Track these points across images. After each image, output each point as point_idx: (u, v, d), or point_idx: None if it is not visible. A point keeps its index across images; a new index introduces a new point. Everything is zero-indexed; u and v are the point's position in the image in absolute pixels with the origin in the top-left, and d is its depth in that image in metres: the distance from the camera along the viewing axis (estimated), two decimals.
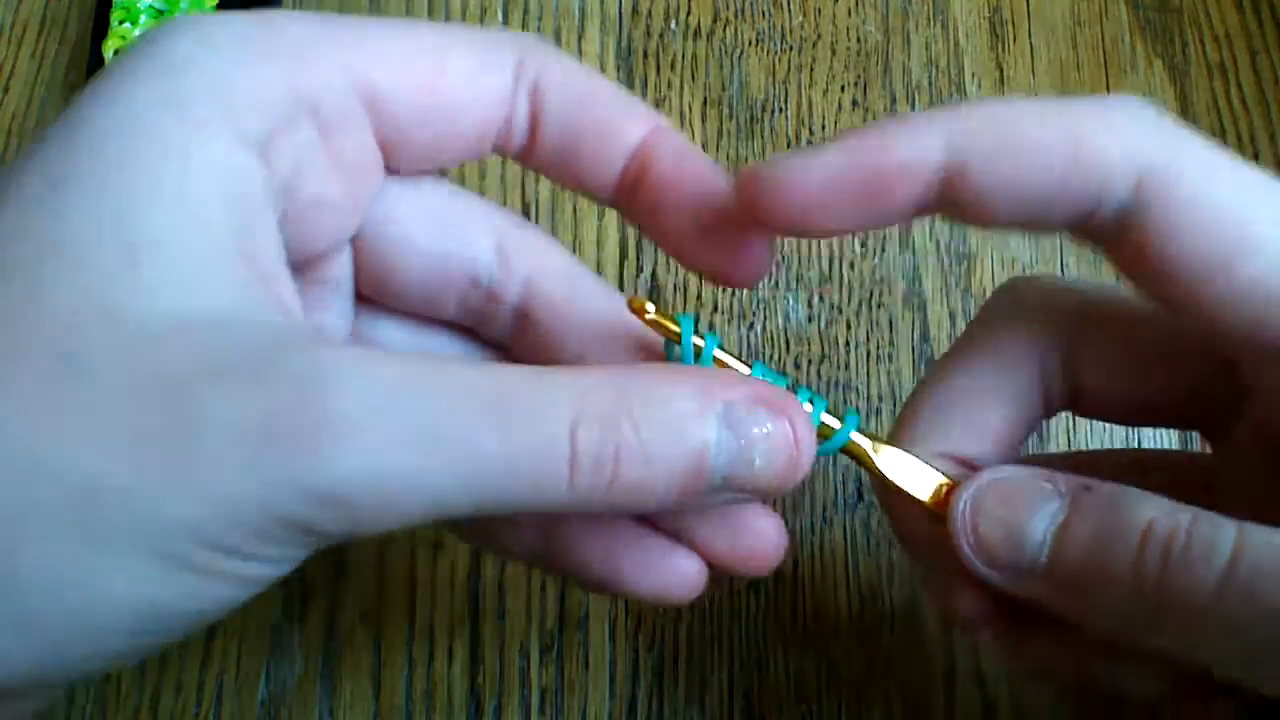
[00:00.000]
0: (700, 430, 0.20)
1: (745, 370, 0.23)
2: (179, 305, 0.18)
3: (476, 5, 0.40)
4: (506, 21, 0.40)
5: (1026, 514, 0.22)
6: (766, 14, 0.41)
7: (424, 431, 0.18)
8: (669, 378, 0.20)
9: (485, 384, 0.19)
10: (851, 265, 0.38)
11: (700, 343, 0.23)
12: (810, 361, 0.37)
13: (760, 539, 0.24)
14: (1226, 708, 0.24)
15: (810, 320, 0.38)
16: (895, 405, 0.37)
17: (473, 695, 0.33)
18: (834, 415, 0.24)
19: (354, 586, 0.34)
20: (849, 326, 0.38)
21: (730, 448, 0.20)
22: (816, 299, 0.38)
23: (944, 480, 0.24)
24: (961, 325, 0.38)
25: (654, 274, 0.38)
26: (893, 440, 0.24)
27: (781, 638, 0.34)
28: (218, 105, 0.20)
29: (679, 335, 0.23)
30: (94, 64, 0.35)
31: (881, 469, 0.24)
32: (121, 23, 0.35)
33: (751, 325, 0.37)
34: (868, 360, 0.37)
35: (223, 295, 0.19)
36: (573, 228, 0.38)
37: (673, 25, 0.41)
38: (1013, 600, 0.23)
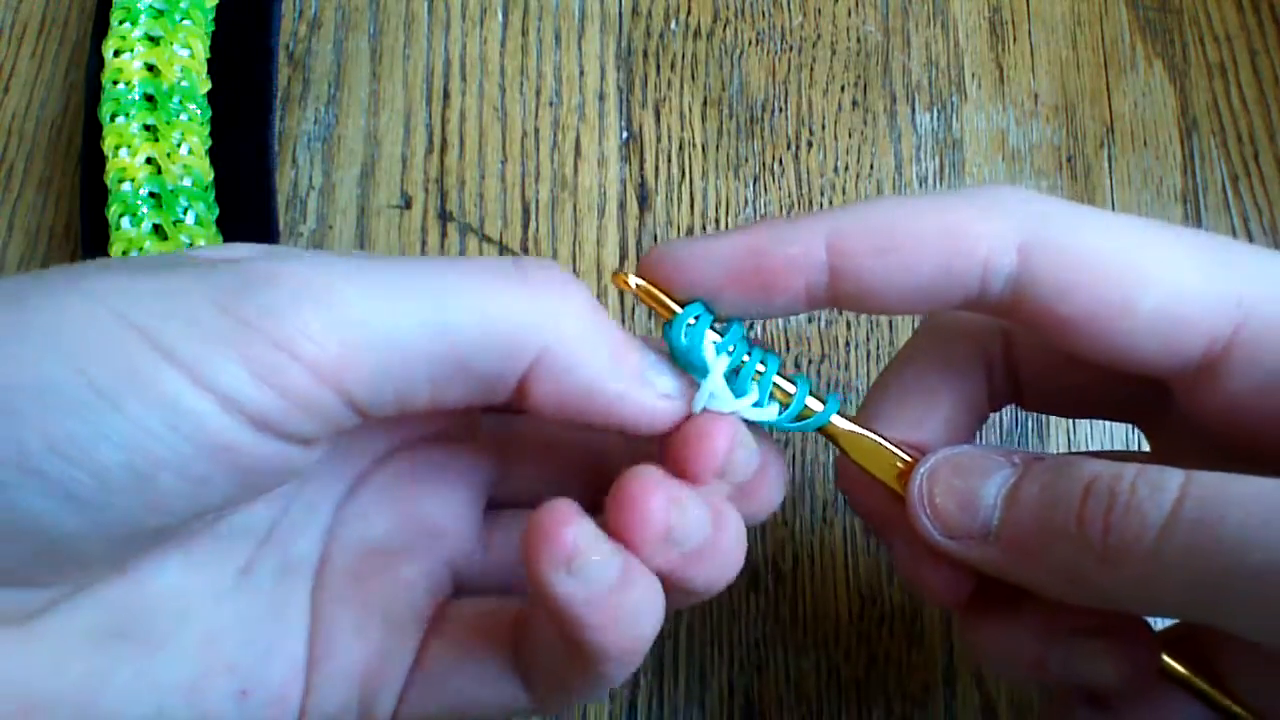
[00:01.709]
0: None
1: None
2: None
3: (476, 5, 0.40)
4: (506, 21, 0.40)
5: (979, 481, 0.23)
6: (766, 14, 0.41)
7: (383, 294, 0.20)
8: None
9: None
10: None
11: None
12: (810, 361, 0.37)
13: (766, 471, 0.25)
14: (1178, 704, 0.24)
15: (810, 320, 0.38)
16: None
17: None
18: (816, 398, 0.25)
19: None
20: (849, 326, 0.38)
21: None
22: None
23: (906, 461, 0.25)
24: None
25: None
26: (858, 423, 0.25)
27: (781, 638, 0.34)
28: None
29: (672, 312, 0.23)
30: (94, 64, 0.35)
31: (850, 450, 0.25)
32: (121, 23, 0.35)
33: (751, 325, 0.37)
34: (868, 360, 0.37)
35: None
36: (573, 228, 0.38)
37: (673, 25, 0.41)
38: (971, 574, 0.24)
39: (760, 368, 0.24)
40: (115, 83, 0.34)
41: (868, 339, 0.37)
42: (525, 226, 0.38)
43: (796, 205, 0.39)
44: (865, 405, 0.27)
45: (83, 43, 0.39)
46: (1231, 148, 0.40)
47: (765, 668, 0.34)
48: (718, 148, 0.39)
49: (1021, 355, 0.26)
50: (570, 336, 0.21)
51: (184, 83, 0.34)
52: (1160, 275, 0.21)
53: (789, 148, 0.40)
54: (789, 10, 0.41)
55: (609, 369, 0.22)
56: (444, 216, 0.38)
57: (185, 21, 0.35)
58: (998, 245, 0.21)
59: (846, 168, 0.39)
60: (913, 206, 0.22)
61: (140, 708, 0.22)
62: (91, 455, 0.18)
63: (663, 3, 0.41)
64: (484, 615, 0.25)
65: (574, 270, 0.38)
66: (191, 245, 0.33)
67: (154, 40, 0.34)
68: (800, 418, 0.24)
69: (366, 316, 0.20)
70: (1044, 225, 0.21)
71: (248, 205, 0.34)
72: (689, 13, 0.41)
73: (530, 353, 0.21)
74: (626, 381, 0.22)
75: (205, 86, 0.35)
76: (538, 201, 0.39)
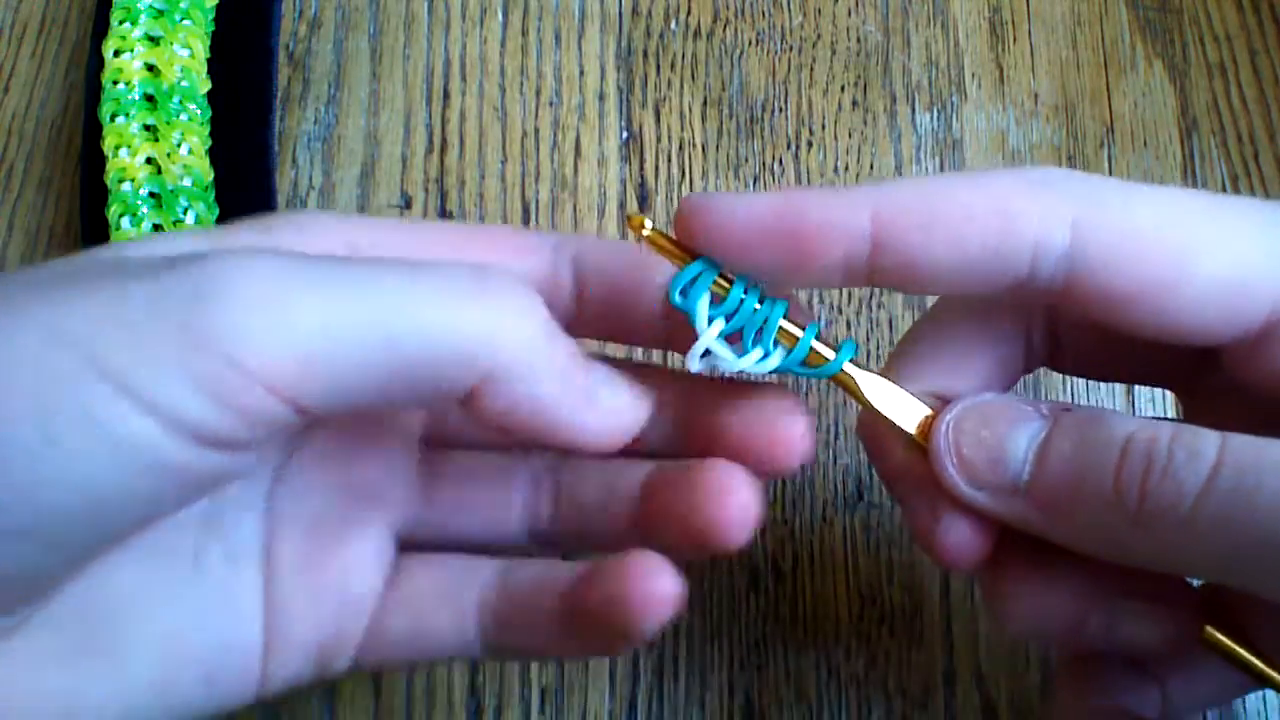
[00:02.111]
0: None
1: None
2: None
3: (476, 5, 0.40)
4: (506, 21, 0.40)
5: (1008, 432, 0.23)
6: (766, 14, 0.41)
7: (321, 290, 0.19)
8: None
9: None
10: None
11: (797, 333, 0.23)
12: None
13: (787, 428, 0.24)
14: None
15: None
16: None
17: (473, 695, 0.33)
18: (828, 344, 0.24)
19: None
20: (849, 326, 0.38)
21: None
22: (816, 299, 0.38)
23: (929, 413, 0.24)
24: None
25: None
26: (884, 374, 0.25)
27: (781, 637, 0.34)
28: None
29: (683, 261, 0.23)
30: (94, 64, 0.35)
31: (869, 399, 0.24)
32: (121, 23, 0.35)
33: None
34: (868, 360, 0.37)
35: None
36: (572, 228, 0.38)
37: (673, 25, 0.41)
38: (998, 527, 0.23)
39: (762, 328, 0.23)
40: (115, 83, 0.34)
41: (868, 339, 0.37)
42: (525, 226, 0.38)
43: None
44: (897, 351, 0.26)
45: (83, 43, 0.39)
46: (1231, 148, 0.40)
47: (765, 667, 0.34)
48: (718, 148, 0.39)
49: (1066, 318, 0.25)
50: (519, 353, 0.21)
51: (184, 83, 0.34)
52: (1216, 245, 0.21)
53: (789, 148, 0.40)
54: (789, 10, 0.41)
55: (556, 387, 0.22)
56: (444, 216, 0.38)
57: (185, 21, 0.35)
58: (1051, 223, 0.21)
59: (846, 168, 0.39)
60: (963, 181, 0.21)
61: (114, 714, 0.22)
62: (35, 500, 0.18)
63: (663, 3, 0.41)
64: (438, 576, 0.25)
65: None
66: None
67: (154, 40, 0.34)
68: (810, 364, 0.23)
69: (321, 328, 0.19)
70: (1096, 202, 0.21)
71: (248, 205, 0.34)
72: (689, 13, 0.41)
73: (479, 368, 0.21)
74: (573, 400, 0.22)
75: (205, 86, 0.35)
76: (538, 201, 0.39)
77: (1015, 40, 0.41)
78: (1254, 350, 0.22)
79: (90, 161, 0.34)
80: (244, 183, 0.35)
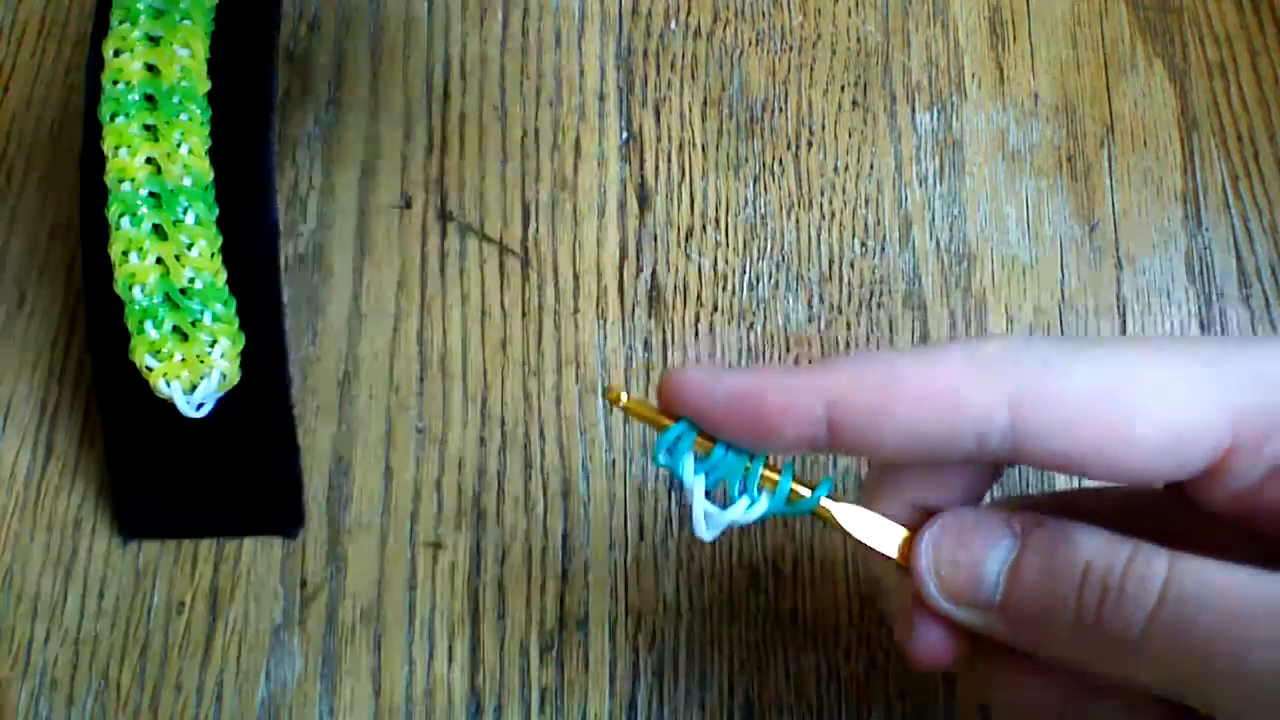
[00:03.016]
0: None
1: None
2: None
3: (476, 6, 0.40)
4: (506, 22, 0.40)
5: (981, 554, 0.24)
6: (766, 14, 0.41)
7: None
8: None
9: None
10: (851, 265, 0.38)
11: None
12: (810, 362, 0.37)
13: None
14: None
15: (810, 320, 0.38)
16: None
17: (473, 695, 0.33)
18: (805, 483, 0.25)
19: (354, 586, 0.34)
20: (849, 327, 0.38)
21: None
22: (816, 299, 0.38)
23: (906, 532, 0.25)
24: (961, 326, 0.38)
25: (654, 274, 0.38)
26: (864, 497, 0.26)
27: (781, 638, 0.34)
28: None
29: (662, 426, 0.24)
30: (94, 64, 0.35)
31: (849, 529, 0.25)
32: (121, 23, 0.34)
33: (752, 326, 0.37)
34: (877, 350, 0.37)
35: None
36: (573, 228, 0.38)
37: (673, 25, 0.41)
38: (969, 637, 0.25)
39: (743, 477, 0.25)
40: (115, 83, 0.34)
41: (867, 339, 0.37)
42: (525, 226, 0.38)
43: (796, 205, 0.39)
44: (873, 466, 0.27)
45: (83, 43, 0.39)
46: (1231, 148, 0.40)
47: (765, 668, 0.34)
48: (718, 148, 0.39)
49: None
50: None
51: (184, 83, 0.34)
52: (1153, 402, 0.22)
53: (789, 148, 0.40)
54: (789, 10, 0.41)
55: None
56: (444, 216, 0.38)
57: (185, 21, 0.35)
58: (988, 405, 0.22)
59: (846, 168, 0.39)
60: (904, 368, 0.23)
61: None
62: None
63: (663, 3, 0.41)
64: None
65: (573, 270, 0.38)
66: (191, 245, 0.33)
67: (154, 40, 0.34)
68: (790, 502, 0.25)
69: None
70: (1032, 376, 0.22)
71: (248, 205, 0.34)
72: (689, 13, 0.41)
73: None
74: None
75: (205, 86, 0.35)
76: (538, 201, 0.39)
77: (1015, 40, 0.41)
78: (1204, 484, 0.23)
79: (90, 161, 0.34)
80: (244, 183, 0.35)
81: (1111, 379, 0.22)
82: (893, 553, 0.25)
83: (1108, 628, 0.22)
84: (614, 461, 0.36)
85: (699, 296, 0.38)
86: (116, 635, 0.34)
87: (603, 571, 0.35)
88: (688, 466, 0.24)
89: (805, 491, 0.25)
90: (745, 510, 0.25)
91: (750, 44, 0.41)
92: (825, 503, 0.25)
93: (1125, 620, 0.21)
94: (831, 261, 0.38)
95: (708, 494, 0.25)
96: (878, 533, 0.25)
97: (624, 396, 0.25)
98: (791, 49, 0.41)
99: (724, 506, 0.25)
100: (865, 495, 0.26)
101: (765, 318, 0.38)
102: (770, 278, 0.38)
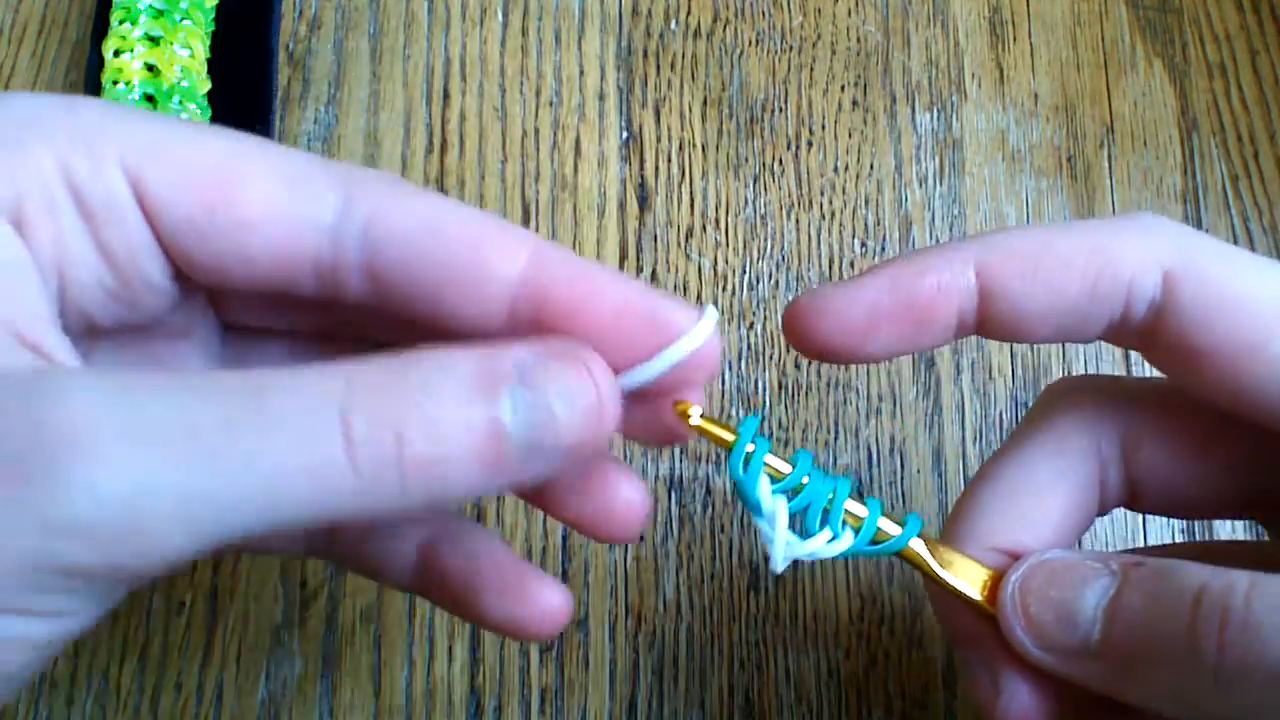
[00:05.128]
0: (488, 394, 0.18)
1: (786, 468, 0.23)
2: None
3: (476, 6, 0.40)
4: (506, 22, 0.40)
5: (1076, 591, 0.22)
6: (766, 14, 0.41)
7: (171, 439, 0.16)
8: (450, 352, 0.19)
9: (238, 383, 0.17)
10: (851, 265, 0.38)
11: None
12: (810, 362, 0.37)
13: (624, 502, 0.23)
14: None
15: None
16: (895, 405, 0.37)
17: (473, 695, 0.33)
18: (894, 520, 0.23)
19: (354, 586, 0.34)
20: None
21: (525, 403, 0.19)
22: None
23: (993, 574, 0.23)
24: None
25: (654, 274, 0.38)
26: (946, 536, 0.24)
27: (781, 638, 0.34)
28: None
29: (730, 444, 0.22)
30: (94, 64, 0.35)
31: (937, 571, 0.23)
32: (121, 23, 0.35)
33: (752, 325, 0.37)
34: (883, 369, 0.37)
35: None
36: (572, 228, 0.38)
37: (673, 25, 0.41)
38: (1069, 688, 0.23)
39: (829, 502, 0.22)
40: (115, 83, 0.34)
41: None
42: (525, 226, 0.38)
43: (796, 205, 0.39)
44: (959, 507, 0.25)
45: (83, 43, 0.39)
46: (1231, 148, 0.40)
47: (765, 668, 0.34)
48: (718, 148, 0.39)
49: (1145, 453, 0.25)
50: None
51: (184, 83, 0.34)
52: None
53: (789, 148, 0.40)
54: (789, 10, 0.41)
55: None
56: None
57: (185, 21, 0.35)
58: (1143, 269, 0.22)
59: (846, 167, 0.39)
60: (1060, 230, 0.22)
61: None
62: None
63: (663, 3, 0.41)
64: None
65: None
66: None
67: (154, 40, 0.34)
68: (875, 541, 0.23)
69: (135, 483, 0.17)
70: (1190, 256, 0.22)
71: None
72: (689, 13, 0.41)
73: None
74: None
75: (205, 86, 0.35)
76: (538, 201, 0.39)
77: (1015, 40, 0.41)
78: None
79: None
80: None
81: (1266, 287, 0.21)
82: (979, 593, 0.23)
83: (1234, 656, 0.19)
84: None
85: (699, 296, 0.38)
86: (116, 635, 0.34)
87: (603, 571, 0.35)
88: (764, 489, 0.22)
89: (893, 530, 0.23)
90: (827, 543, 0.22)
91: (750, 44, 0.41)
92: (914, 543, 0.23)
93: (1259, 645, 0.19)
94: (831, 261, 0.38)
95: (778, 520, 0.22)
96: (965, 572, 0.23)
97: (693, 412, 0.22)
98: (791, 49, 0.41)
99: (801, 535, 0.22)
100: (944, 539, 0.24)
101: (765, 317, 0.38)
102: (770, 278, 0.38)
